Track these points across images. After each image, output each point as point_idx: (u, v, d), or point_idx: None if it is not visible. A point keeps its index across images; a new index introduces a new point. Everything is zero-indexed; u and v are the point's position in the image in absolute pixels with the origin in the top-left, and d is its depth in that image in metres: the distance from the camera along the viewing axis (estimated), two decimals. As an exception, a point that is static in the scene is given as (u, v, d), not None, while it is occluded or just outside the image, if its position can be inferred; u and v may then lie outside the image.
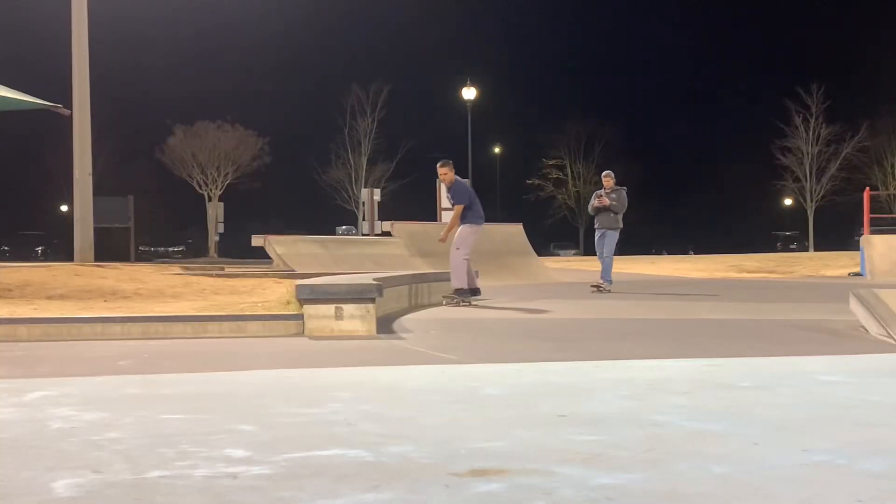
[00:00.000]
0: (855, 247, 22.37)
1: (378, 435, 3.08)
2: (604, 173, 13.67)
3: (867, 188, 23.10)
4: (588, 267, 26.57)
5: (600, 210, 13.17)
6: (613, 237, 13.11)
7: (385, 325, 7.26)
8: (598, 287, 12.88)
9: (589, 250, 54.34)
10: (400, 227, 18.57)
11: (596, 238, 13.35)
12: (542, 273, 19.02)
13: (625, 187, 13.32)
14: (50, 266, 13.85)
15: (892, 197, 49.38)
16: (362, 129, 53.98)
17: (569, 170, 61.72)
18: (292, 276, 11.81)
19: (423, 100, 67.35)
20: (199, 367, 5.08)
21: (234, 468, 2.62)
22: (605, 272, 13.02)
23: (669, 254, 47.60)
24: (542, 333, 7.05)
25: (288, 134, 58.91)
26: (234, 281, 11.63)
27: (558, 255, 49.68)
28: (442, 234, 10.73)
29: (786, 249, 52.38)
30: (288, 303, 7.43)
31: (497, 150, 63.86)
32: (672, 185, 68.54)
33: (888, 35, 58.44)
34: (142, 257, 37.97)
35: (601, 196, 13.20)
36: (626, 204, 13.09)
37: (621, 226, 13.15)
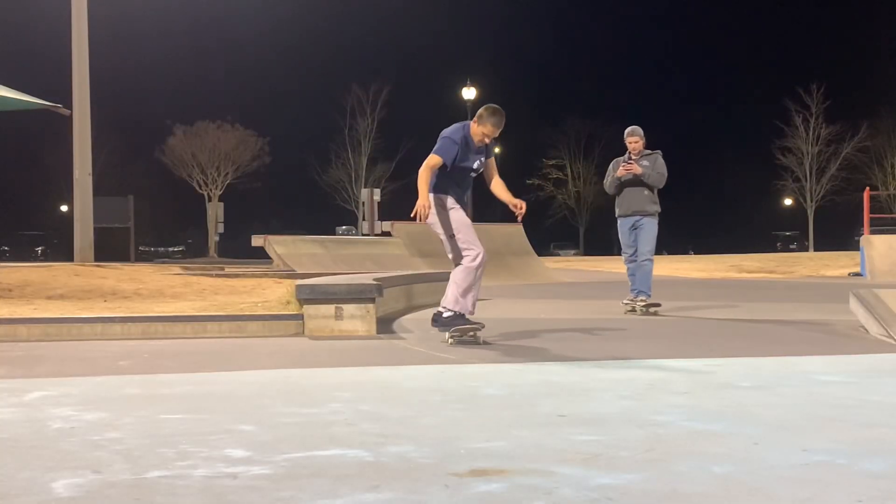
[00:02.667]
0: (855, 247, 22.37)
1: (378, 435, 3.08)
2: (628, 131, 8.78)
3: (867, 188, 23.11)
4: (588, 267, 26.56)
5: (625, 185, 8.65)
6: (652, 227, 8.60)
7: (385, 325, 7.26)
8: (649, 307, 8.47)
9: (589, 250, 54.65)
10: (400, 227, 18.56)
11: (622, 230, 8.71)
12: (542, 273, 19.02)
13: (659, 151, 8.82)
14: (50, 266, 13.86)
15: (892, 197, 49.47)
16: (362, 129, 54.08)
17: (569, 170, 61.78)
18: (292, 276, 11.82)
19: (423, 100, 67.37)
20: (199, 367, 5.08)
21: (234, 468, 2.62)
22: (644, 281, 8.53)
23: (669, 254, 47.60)
24: (541, 333, 7.05)
25: (288, 134, 58.98)
26: (234, 281, 11.64)
27: (558, 255, 49.77)
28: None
29: (786, 249, 52.47)
30: (288, 303, 7.43)
31: (497, 150, 63.87)
32: (672, 185, 68.45)
33: (888, 35, 58.48)
34: (142, 257, 37.98)
35: (630, 163, 8.65)
36: (666, 176, 8.76)
37: (660, 209, 8.71)
